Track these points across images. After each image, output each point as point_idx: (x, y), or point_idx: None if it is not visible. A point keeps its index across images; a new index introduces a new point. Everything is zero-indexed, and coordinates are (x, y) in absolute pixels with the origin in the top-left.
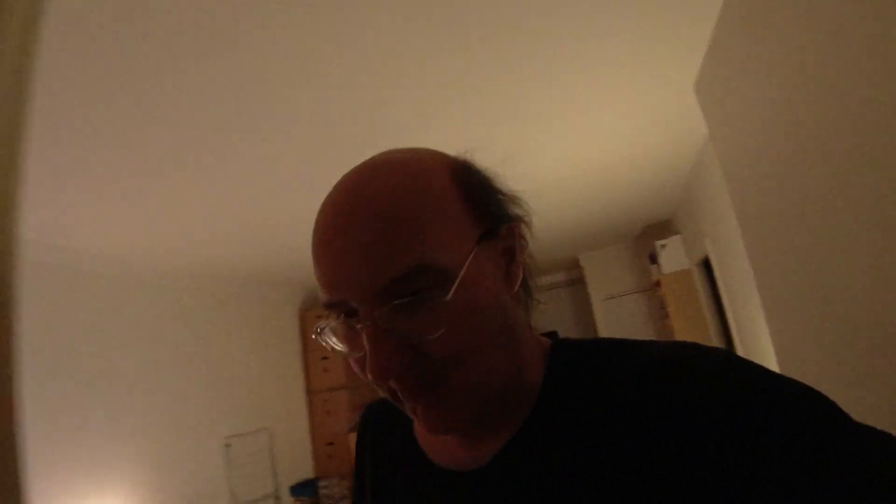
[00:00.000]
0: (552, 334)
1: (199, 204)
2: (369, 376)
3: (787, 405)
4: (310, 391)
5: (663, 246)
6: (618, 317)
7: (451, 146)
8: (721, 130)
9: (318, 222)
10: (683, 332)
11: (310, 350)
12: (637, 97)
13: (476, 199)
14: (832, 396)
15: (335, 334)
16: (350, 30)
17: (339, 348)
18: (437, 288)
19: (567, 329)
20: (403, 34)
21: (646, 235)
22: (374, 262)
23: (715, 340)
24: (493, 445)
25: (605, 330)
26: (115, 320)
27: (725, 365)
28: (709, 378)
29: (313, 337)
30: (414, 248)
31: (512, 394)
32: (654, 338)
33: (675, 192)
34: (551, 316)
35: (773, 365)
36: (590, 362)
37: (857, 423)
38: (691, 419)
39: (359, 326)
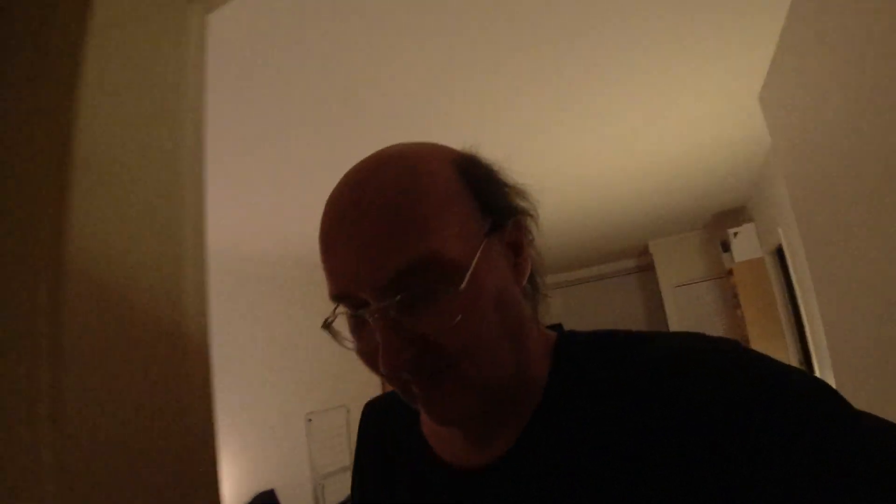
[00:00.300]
0: (557, 327)
1: (285, 196)
2: (381, 369)
3: (792, 402)
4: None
5: (736, 234)
6: (688, 305)
7: (532, 138)
8: (783, 141)
9: (325, 215)
10: (755, 322)
11: None
12: (710, 93)
13: (482, 192)
14: (882, 393)
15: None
16: (425, 46)
17: (346, 343)
18: (446, 279)
19: (635, 315)
20: (490, 43)
21: (718, 222)
22: (381, 254)
23: (787, 331)
24: (501, 440)
25: (676, 318)
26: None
27: (732, 359)
28: (715, 373)
29: (322, 329)
30: (421, 239)
31: (517, 388)
32: (726, 327)
33: (749, 179)
34: (620, 303)
35: (826, 361)
36: (595, 356)
37: (862, 417)
38: (696, 415)
39: (370, 319)
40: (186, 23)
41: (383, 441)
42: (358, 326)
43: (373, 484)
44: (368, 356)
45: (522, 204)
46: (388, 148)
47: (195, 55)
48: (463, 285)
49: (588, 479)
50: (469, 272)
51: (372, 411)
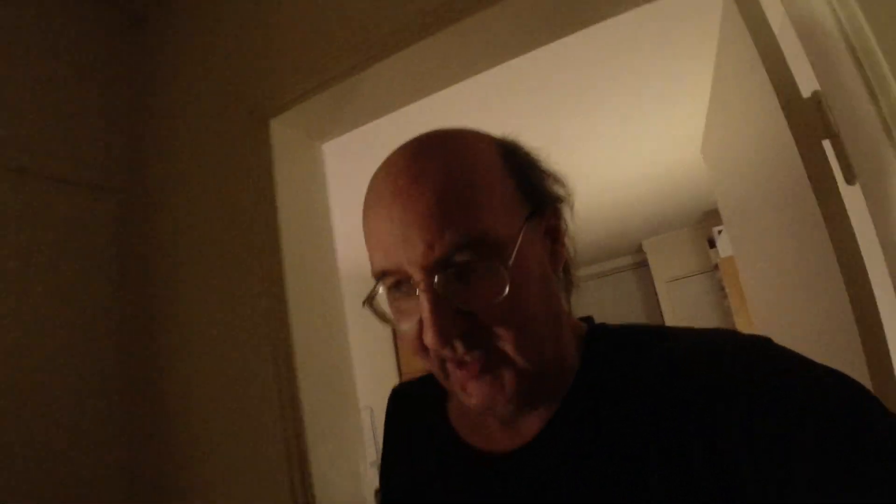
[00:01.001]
0: (588, 319)
1: None
2: (428, 340)
3: (817, 401)
4: (401, 373)
5: (720, 231)
6: (681, 298)
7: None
8: (720, 188)
9: (372, 193)
10: (739, 311)
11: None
12: (693, 120)
13: (523, 177)
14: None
15: (386, 304)
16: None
17: (387, 319)
18: (494, 257)
19: (634, 309)
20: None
21: (705, 221)
22: (432, 231)
23: None
24: (529, 427)
25: (670, 310)
26: None
27: (758, 355)
28: (740, 369)
29: (363, 305)
30: (471, 218)
31: (551, 374)
32: (716, 316)
33: None
34: (619, 298)
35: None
36: (625, 348)
37: (890, 418)
38: (718, 413)
39: (417, 292)
40: (316, 155)
41: (410, 428)
42: (401, 303)
43: (400, 470)
44: (410, 334)
45: (560, 192)
46: (432, 131)
47: (321, 176)
48: (511, 261)
49: (610, 469)
50: (516, 249)
51: (398, 398)
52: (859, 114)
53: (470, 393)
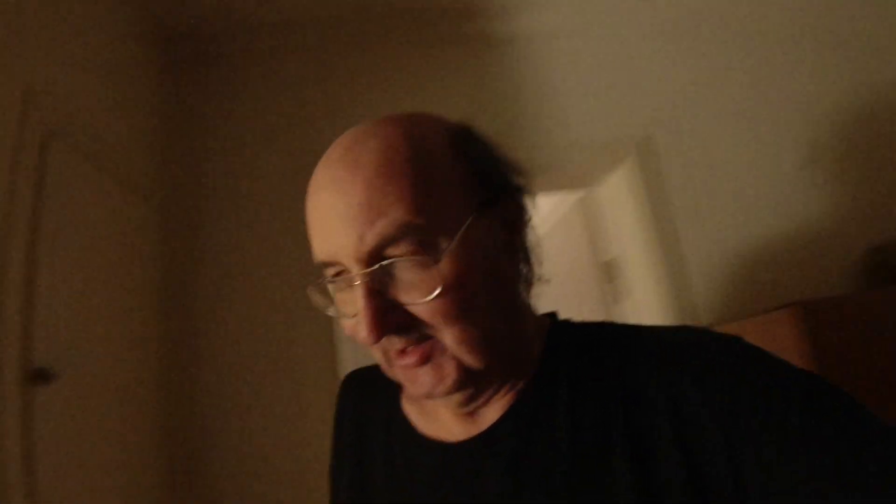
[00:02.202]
0: (552, 315)
1: None
2: (361, 334)
3: (794, 396)
4: None
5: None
6: None
7: None
8: None
9: (312, 181)
10: None
11: None
12: None
13: (476, 166)
14: None
15: (329, 294)
16: None
17: (330, 310)
18: (430, 251)
19: None
20: None
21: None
22: (362, 224)
23: None
24: (486, 419)
25: None
26: None
27: (729, 343)
28: (713, 352)
29: (308, 292)
30: (406, 207)
31: (507, 367)
32: None
33: None
34: None
35: None
36: (590, 341)
37: (872, 418)
38: (689, 404)
39: (354, 284)
40: None
41: (360, 414)
42: (343, 294)
43: (349, 458)
44: (351, 324)
45: (519, 181)
46: (382, 117)
47: None
48: (440, 258)
49: (562, 463)
50: (450, 245)
51: (352, 384)
52: (633, 268)
53: (412, 381)
